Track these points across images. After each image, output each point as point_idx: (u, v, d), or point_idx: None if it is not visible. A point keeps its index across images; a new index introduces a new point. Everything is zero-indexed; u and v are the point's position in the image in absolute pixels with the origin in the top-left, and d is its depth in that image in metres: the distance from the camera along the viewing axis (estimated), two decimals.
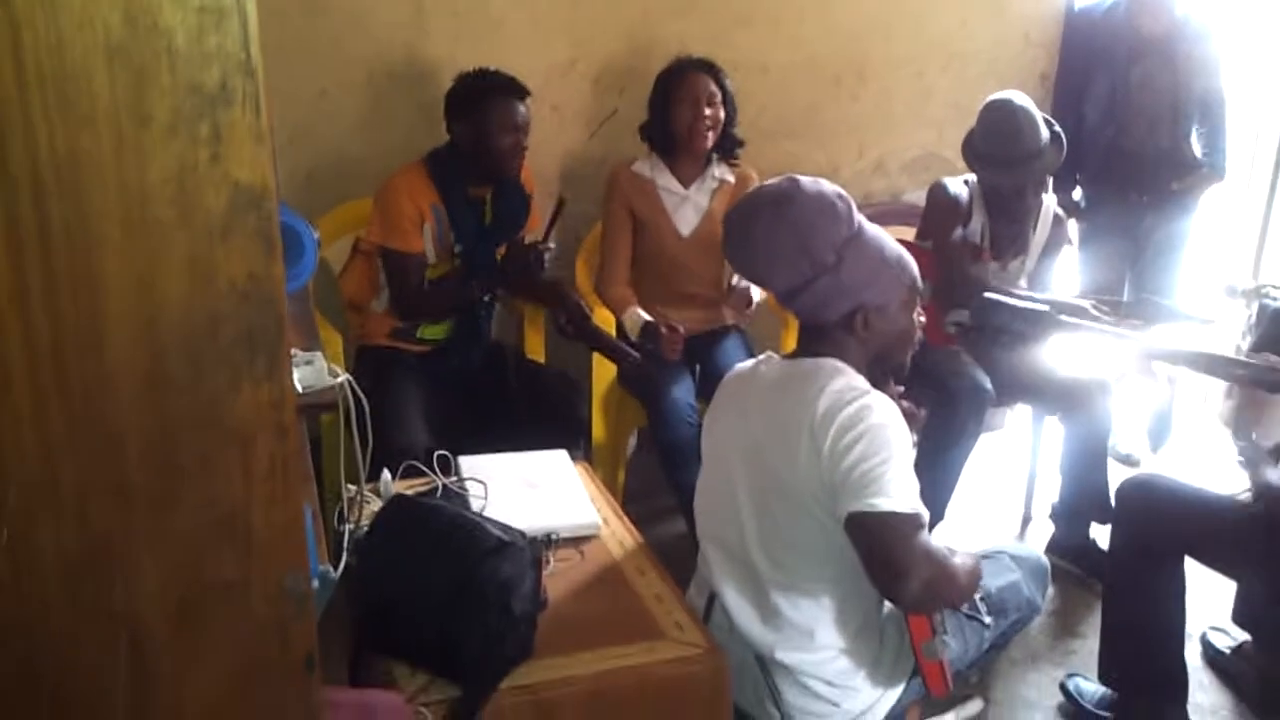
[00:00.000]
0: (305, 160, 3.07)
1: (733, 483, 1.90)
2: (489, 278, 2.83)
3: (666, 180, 3.09)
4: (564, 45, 3.25)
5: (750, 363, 2.03)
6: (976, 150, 2.95)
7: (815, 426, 1.77)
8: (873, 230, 1.88)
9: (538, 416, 2.77)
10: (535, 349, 3.05)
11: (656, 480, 2.96)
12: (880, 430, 1.75)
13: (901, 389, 1.98)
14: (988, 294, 2.52)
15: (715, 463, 1.99)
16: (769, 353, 2.02)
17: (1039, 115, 2.90)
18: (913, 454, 1.84)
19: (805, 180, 1.87)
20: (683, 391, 2.87)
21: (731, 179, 3.13)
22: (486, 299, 2.86)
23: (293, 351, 1.87)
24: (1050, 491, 3.19)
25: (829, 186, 1.87)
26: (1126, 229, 3.57)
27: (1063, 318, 2.41)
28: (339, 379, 1.87)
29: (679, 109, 3.00)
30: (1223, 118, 3.47)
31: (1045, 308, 2.43)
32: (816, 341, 1.90)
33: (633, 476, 3.19)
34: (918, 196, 3.32)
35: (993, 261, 3.05)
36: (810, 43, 3.48)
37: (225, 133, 0.90)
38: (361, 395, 1.89)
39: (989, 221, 3.03)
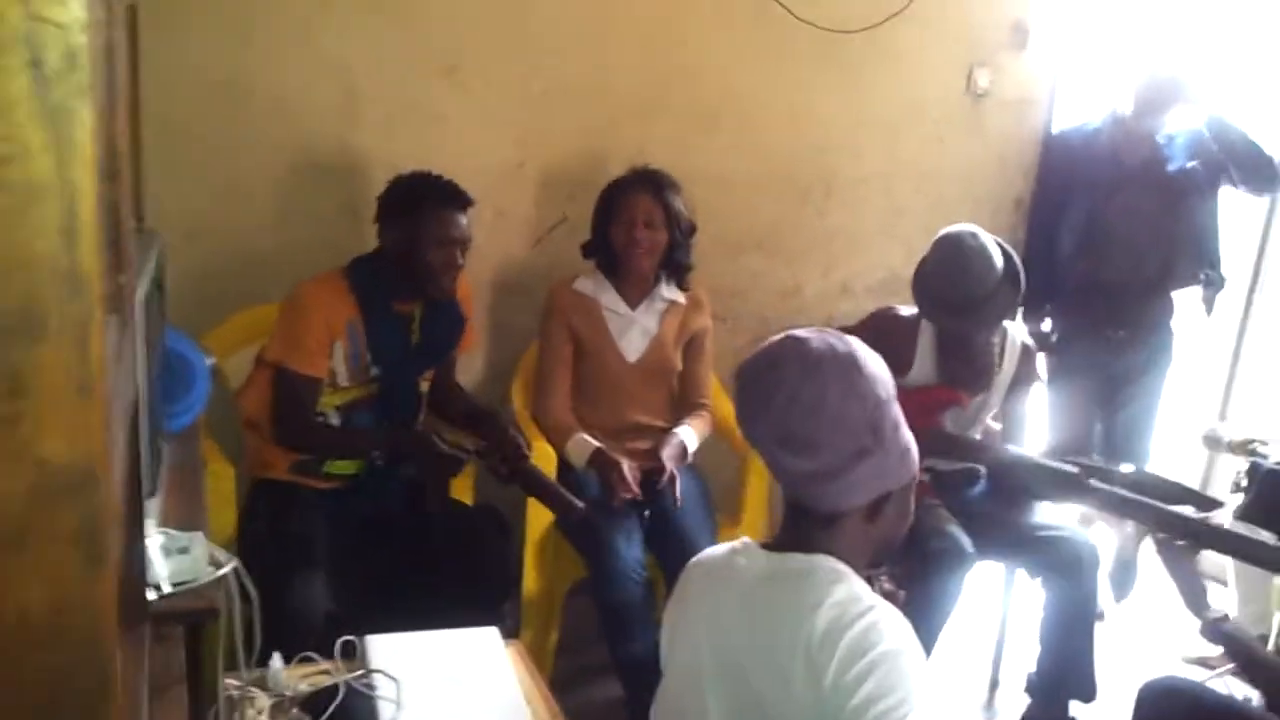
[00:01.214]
0: (205, 257, 2.69)
1: (705, 709, 1.54)
2: (397, 443, 2.47)
3: (611, 300, 2.78)
4: (512, 145, 2.94)
5: (722, 551, 1.67)
6: (924, 290, 2.69)
7: (814, 650, 1.43)
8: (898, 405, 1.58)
9: (462, 569, 2.40)
10: (462, 488, 2.67)
11: (592, 627, 2.60)
12: (895, 660, 1.42)
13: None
14: (1011, 449, 2.24)
15: (681, 678, 1.63)
16: (744, 539, 1.67)
17: (996, 252, 2.64)
18: (931, 681, 1.51)
19: (855, 342, 1.56)
20: (629, 544, 2.52)
21: (682, 299, 2.84)
22: (379, 463, 2.48)
23: (165, 532, 1.48)
24: (1024, 657, 2.89)
25: (876, 354, 1.57)
26: (1100, 366, 3.36)
27: (1093, 483, 2.14)
28: (224, 570, 1.48)
29: (615, 228, 2.72)
30: (1218, 233, 3.29)
31: (1073, 469, 2.17)
32: (811, 528, 1.56)
33: (566, 621, 2.81)
34: None
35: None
36: (778, 154, 3.24)
37: (27, 384, 0.54)
38: (251, 588, 1.50)
39: (940, 357, 2.76)
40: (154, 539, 1.45)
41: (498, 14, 2.86)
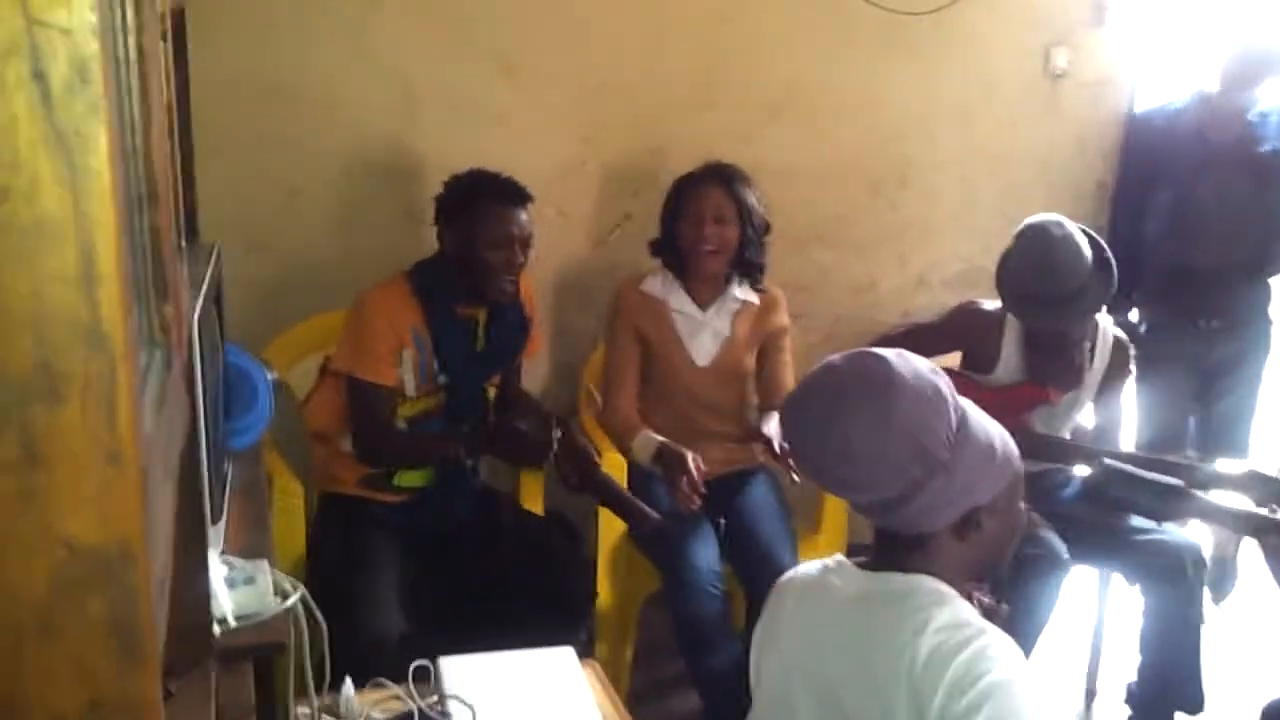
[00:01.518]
0: (267, 268, 2.66)
1: None
2: (477, 437, 2.38)
3: (680, 301, 2.67)
4: (573, 142, 2.86)
5: (815, 569, 1.57)
6: (1010, 286, 2.55)
7: (918, 678, 1.33)
8: (971, 408, 1.46)
9: (537, 584, 2.31)
10: (532, 497, 2.59)
11: (669, 638, 2.51)
12: (1008, 689, 1.31)
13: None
14: (1109, 462, 2.11)
15: (771, 703, 1.53)
16: (837, 557, 1.57)
17: (1083, 241, 2.50)
18: (1050, 708, 1.40)
19: (892, 357, 1.44)
20: (706, 555, 2.42)
21: (755, 300, 2.71)
22: (467, 461, 2.40)
23: (229, 562, 1.42)
24: (1122, 666, 2.75)
25: (921, 362, 1.44)
26: (1192, 359, 3.19)
27: (1197, 493, 2.00)
28: (291, 600, 1.41)
29: (683, 225, 2.60)
30: None
31: (1178, 482, 2.03)
32: (901, 549, 1.46)
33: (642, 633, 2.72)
34: None
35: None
36: (846, 143, 3.12)
37: (46, 453, 0.47)
38: (319, 617, 1.44)
39: (1028, 352, 2.62)
40: (217, 570, 1.38)
41: (550, 8, 2.78)
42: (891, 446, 1.36)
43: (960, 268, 3.30)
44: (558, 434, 2.30)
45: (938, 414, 1.39)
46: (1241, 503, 2.25)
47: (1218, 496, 2.30)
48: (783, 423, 1.46)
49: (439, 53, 2.69)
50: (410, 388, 2.37)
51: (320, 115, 2.63)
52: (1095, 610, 2.91)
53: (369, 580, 2.17)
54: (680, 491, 2.40)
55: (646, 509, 2.32)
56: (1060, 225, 2.50)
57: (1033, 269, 2.49)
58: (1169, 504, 2.00)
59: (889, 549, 1.48)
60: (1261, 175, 3.03)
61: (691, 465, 2.41)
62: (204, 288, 1.48)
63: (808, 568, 1.59)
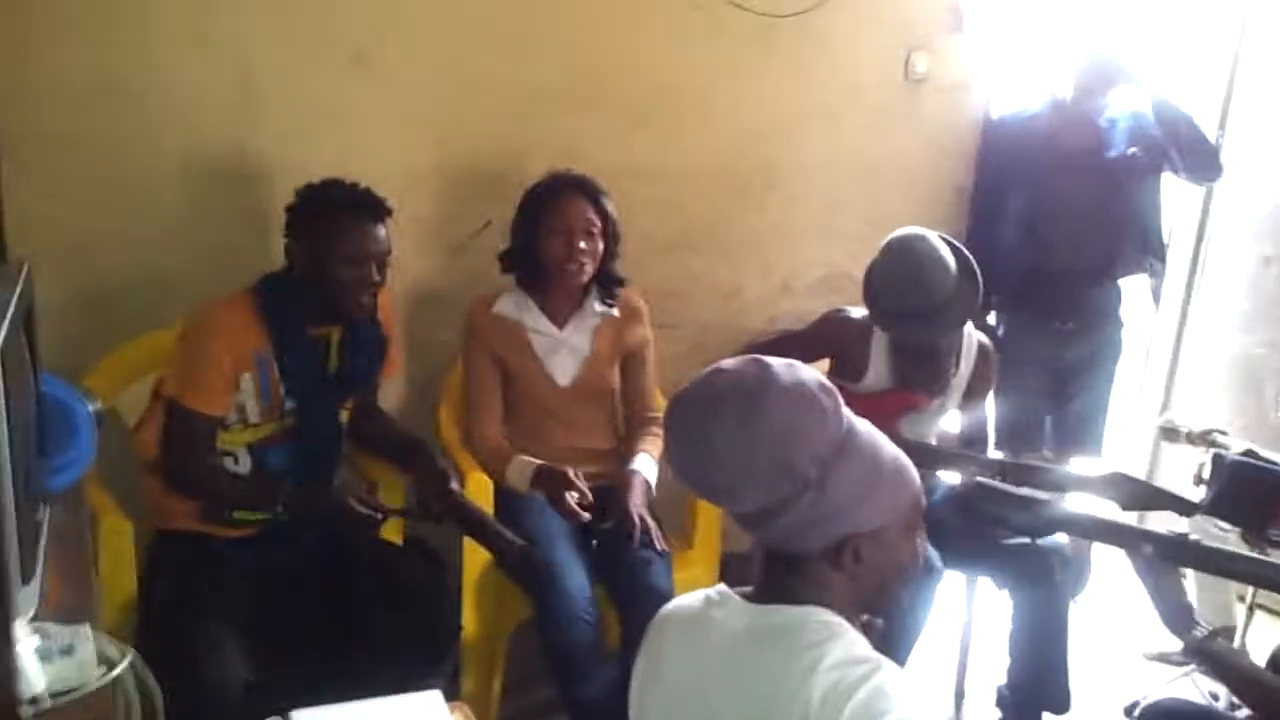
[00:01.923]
0: (92, 281, 2.42)
1: None
2: (301, 497, 2.18)
3: (536, 321, 2.55)
4: (426, 144, 2.70)
5: (696, 601, 1.48)
6: (877, 301, 2.52)
7: (814, 719, 1.26)
8: (865, 430, 1.39)
9: (395, 621, 2.15)
10: (390, 528, 2.42)
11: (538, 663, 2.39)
12: None
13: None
14: (980, 479, 2.09)
15: None
16: (720, 588, 1.48)
17: (948, 253, 2.50)
18: None
19: (778, 366, 1.37)
20: (577, 579, 2.32)
21: (615, 311, 2.61)
22: (280, 512, 2.17)
23: (43, 630, 1.24)
24: (993, 668, 2.77)
25: (809, 374, 1.37)
26: (1048, 360, 3.26)
27: (1065, 507, 2.00)
28: (118, 669, 1.24)
29: (551, 240, 2.46)
30: (1159, 221, 3.21)
31: (1046, 496, 2.02)
32: (790, 575, 1.39)
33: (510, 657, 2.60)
34: None
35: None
36: (713, 146, 3.05)
37: None
38: (152, 683, 1.27)
39: (895, 360, 2.61)
40: (28, 642, 1.20)
41: None
42: (756, 456, 1.29)
43: (824, 273, 3.28)
44: (393, 510, 2.24)
45: (812, 427, 1.32)
46: (1107, 508, 2.27)
47: (1080, 500, 2.33)
48: (663, 421, 1.40)
49: (282, 38, 2.49)
50: (253, 413, 2.18)
51: (154, 112, 2.40)
52: (964, 613, 2.93)
53: (208, 624, 1.97)
54: (567, 507, 2.32)
55: (511, 536, 2.20)
56: (924, 239, 2.49)
57: (898, 284, 2.47)
58: (1039, 519, 1.99)
59: (773, 576, 1.41)
60: (1109, 180, 3.10)
61: (575, 479, 2.33)
62: (9, 314, 1.30)
63: (689, 599, 1.51)
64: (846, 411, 1.36)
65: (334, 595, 2.19)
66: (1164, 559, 1.92)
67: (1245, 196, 3.51)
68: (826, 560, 1.35)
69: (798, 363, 1.38)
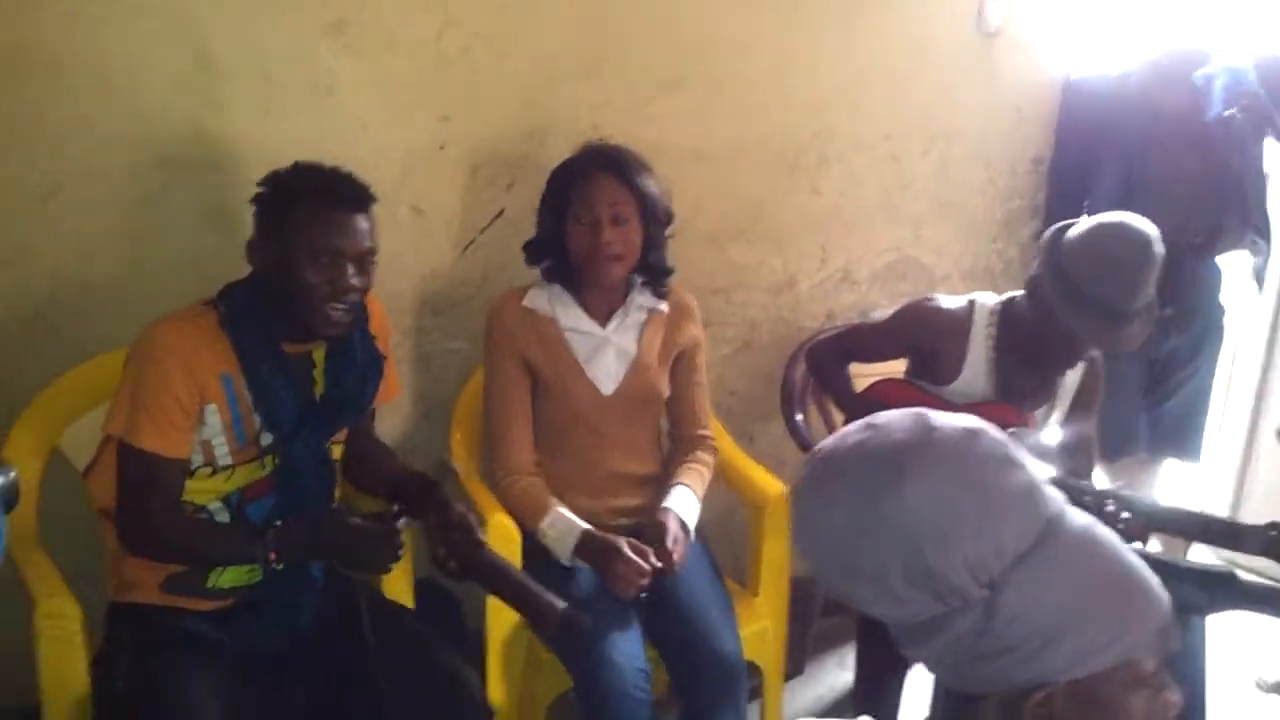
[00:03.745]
0: (23, 294, 1.99)
1: None
2: (292, 534, 1.74)
3: (574, 317, 2.14)
4: (428, 120, 2.26)
5: None
6: (1077, 288, 2.08)
7: None
8: (1077, 528, 0.95)
9: (409, 702, 1.73)
10: (398, 586, 2.00)
11: None
12: None
13: None
14: (1154, 556, 1.68)
15: None
16: None
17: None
18: None
19: (948, 428, 0.97)
20: (628, 648, 1.91)
21: (663, 307, 2.20)
22: (275, 564, 1.73)
23: None
24: None
25: (992, 443, 0.96)
26: (1144, 352, 2.84)
27: (1246, 579, 1.61)
28: None
29: (574, 228, 2.06)
30: (1264, 192, 2.82)
31: (1226, 569, 1.63)
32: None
33: None
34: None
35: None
36: (759, 117, 2.61)
37: None
38: None
39: (1000, 365, 2.23)
40: None
41: None
42: (885, 554, 0.92)
43: (889, 259, 2.86)
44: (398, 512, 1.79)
45: (980, 521, 0.91)
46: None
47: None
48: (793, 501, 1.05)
49: (244, 3, 2.06)
50: (223, 454, 1.75)
51: (90, 90, 1.96)
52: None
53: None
54: (621, 581, 1.94)
55: (551, 599, 1.76)
56: (1153, 232, 2.10)
57: (1117, 275, 2.06)
58: (1216, 598, 1.60)
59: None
60: (1208, 145, 2.73)
61: (630, 553, 1.94)
62: None
63: None
64: (1052, 497, 0.95)
65: (332, 684, 1.77)
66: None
67: None
68: (1008, 713, 0.94)
69: (984, 424, 0.97)
